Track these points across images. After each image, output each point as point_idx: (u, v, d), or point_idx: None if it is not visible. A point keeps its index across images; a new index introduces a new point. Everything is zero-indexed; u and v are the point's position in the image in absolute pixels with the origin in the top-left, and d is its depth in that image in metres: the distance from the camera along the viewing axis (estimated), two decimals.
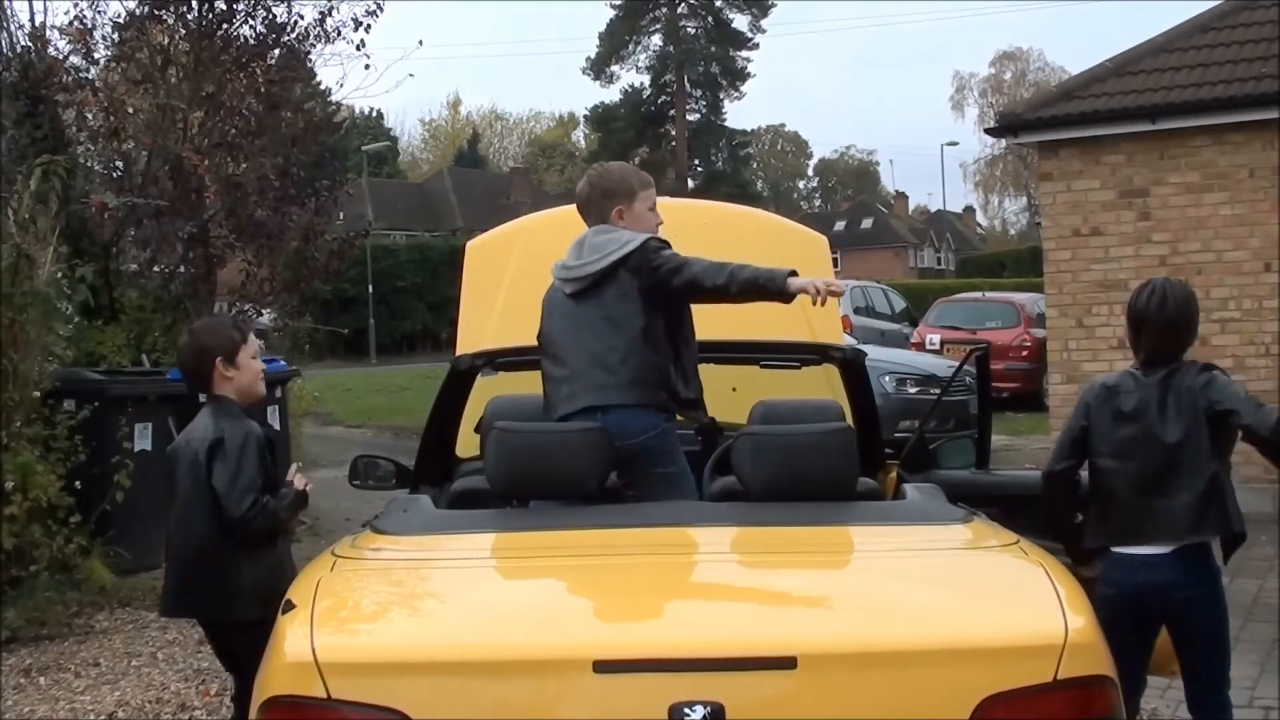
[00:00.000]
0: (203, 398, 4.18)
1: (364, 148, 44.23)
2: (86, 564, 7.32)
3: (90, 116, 9.64)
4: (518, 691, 2.40)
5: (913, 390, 12.31)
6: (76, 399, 7.61)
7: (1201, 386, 3.80)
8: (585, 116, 64.88)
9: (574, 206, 3.92)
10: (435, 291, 32.83)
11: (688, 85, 59.43)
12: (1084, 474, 4.01)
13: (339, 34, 10.23)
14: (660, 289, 3.62)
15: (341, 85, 20.22)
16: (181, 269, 9.94)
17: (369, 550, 2.99)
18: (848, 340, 5.15)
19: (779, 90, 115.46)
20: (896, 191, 76.47)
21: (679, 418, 3.80)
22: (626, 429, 3.56)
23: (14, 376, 7.14)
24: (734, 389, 4.60)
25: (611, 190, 3.80)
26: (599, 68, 58.92)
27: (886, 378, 12.01)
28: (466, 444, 4.72)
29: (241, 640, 3.79)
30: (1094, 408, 3.91)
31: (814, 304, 3.55)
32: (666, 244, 3.70)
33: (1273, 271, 9.92)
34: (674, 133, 59.31)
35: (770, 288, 3.57)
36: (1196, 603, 3.84)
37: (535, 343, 4.03)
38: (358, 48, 10.29)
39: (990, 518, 3.20)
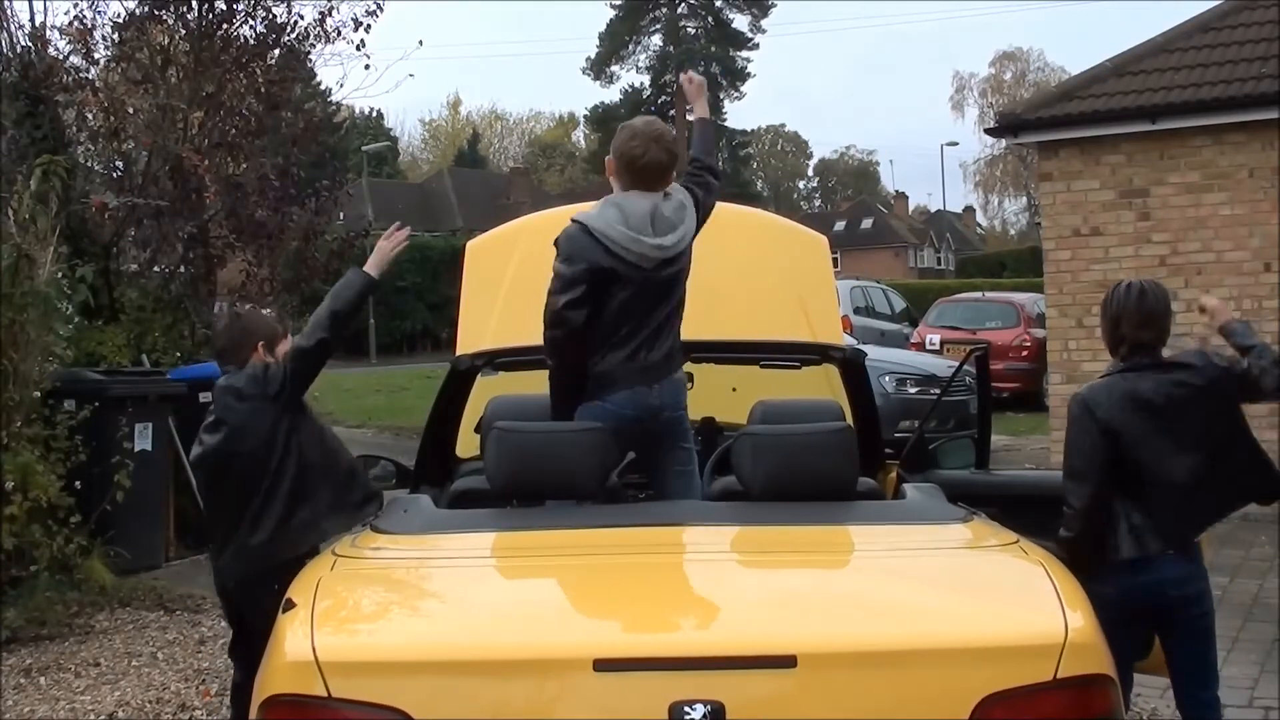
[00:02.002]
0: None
1: (364, 148, 44.24)
2: (86, 564, 7.32)
3: (90, 116, 9.63)
4: (518, 691, 2.40)
5: (913, 390, 12.30)
6: (76, 399, 7.61)
7: (1206, 362, 3.86)
8: (585, 116, 65.00)
9: (575, 206, 3.89)
10: (435, 291, 32.81)
11: None
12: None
13: (339, 34, 10.22)
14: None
15: (341, 85, 20.21)
16: (181, 269, 9.94)
17: (369, 550, 2.99)
18: (848, 340, 5.15)
19: (779, 90, 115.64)
20: (896, 191, 76.47)
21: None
22: (677, 401, 3.73)
23: (14, 376, 7.14)
24: (734, 389, 4.60)
25: (680, 157, 3.84)
26: (599, 68, 58.96)
27: (886, 378, 12.00)
28: (466, 444, 4.73)
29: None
30: (1121, 424, 3.83)
31: None
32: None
33: (1273, 271, 9.93)
34: (674, 133, 59.27)
35: None
36: (1195, 598, 3.85)
37: (535, 342, 4.01)
38: (358, 48, 10.28)
39: (990, 518, 3.20)
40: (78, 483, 7.36)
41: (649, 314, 3.67)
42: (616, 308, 3.64)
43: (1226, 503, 3.96)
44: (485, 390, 4.44)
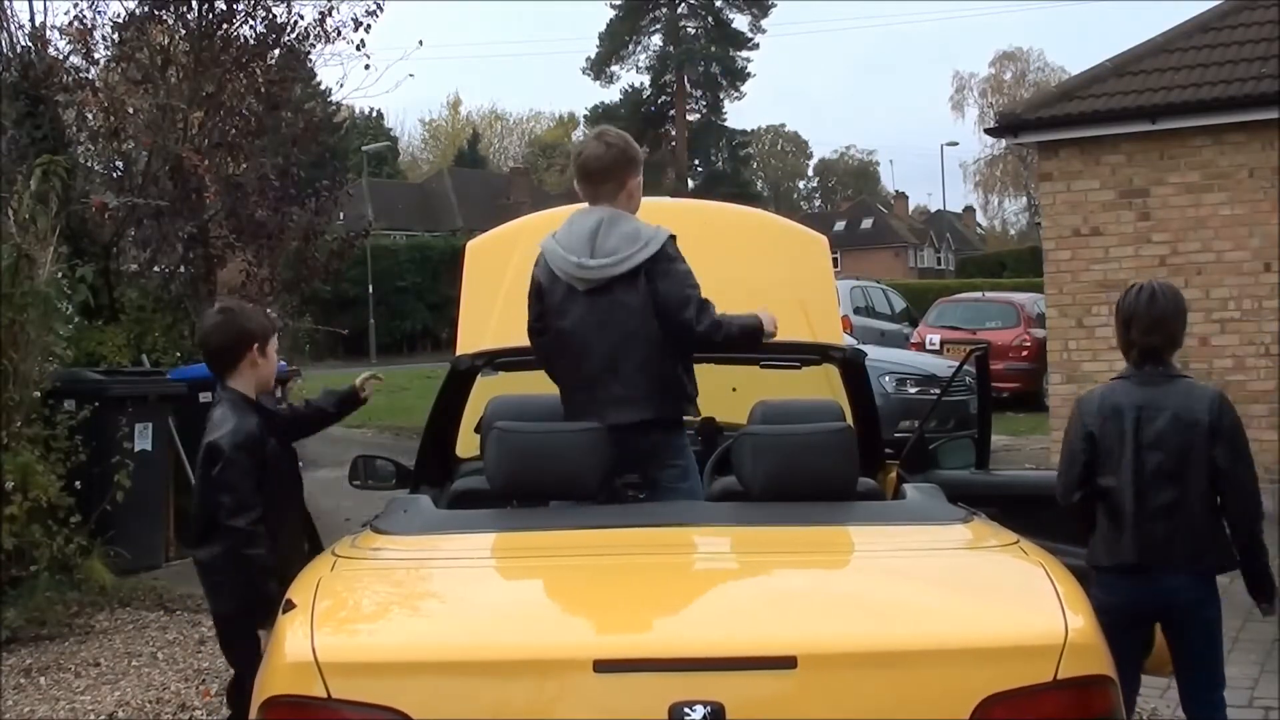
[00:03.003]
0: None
1: (364, 148, 44.22)
2: (86, 564, 7.32)
3: (90, 116, 9.64)
4: (518, 691, 2.40)
5: (913, 390, 12.31)
6: (76, 399, 7.61)
7: (1216, 428, 3.78)
8: (585, 116, 64.95)
9: (575, 206, 3.88)
10: (435, 291, 32.83)
11: (688, 85, 59.46)
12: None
13: (339, 34, 10.25)
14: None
15: (341, 85, 20.24)
16: (181, 269, 9.95)
17: (369, 550, 2.99)
18: (848, 340, 5.15)
19: (779, 90, 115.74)
20: (896, 191, 76.51)
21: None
22: (645, 432, 3.58)
23: (14, 376, 7.14)
24: (734, 389, 4.59)
25: (635, 159, 3.61)
26: (599, 68, 58.97)
27: (886, 378, 12.00)
28: (466, 444, 4.72)
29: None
30: (1099, 431, 3.85)
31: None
32: (674, 239, 3.58)
33: (1273, 271, 9.92)
34: (674, 133, 59.34)
35: (756, 338, 3.65)
36: (1200, 605, 3.85)
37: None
38: (358, 48, 10.31)
39: (990, 518, 3.20)
40: (78, 483, 7.37)
41: (593, 343, 3.55)
42: (565, 329, 3.61)
43: (1189, 555, 3.82)
44: (485, 390, 4.43)
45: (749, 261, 4.47)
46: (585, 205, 3.70)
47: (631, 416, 3.53)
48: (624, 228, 3.54)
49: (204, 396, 7.26)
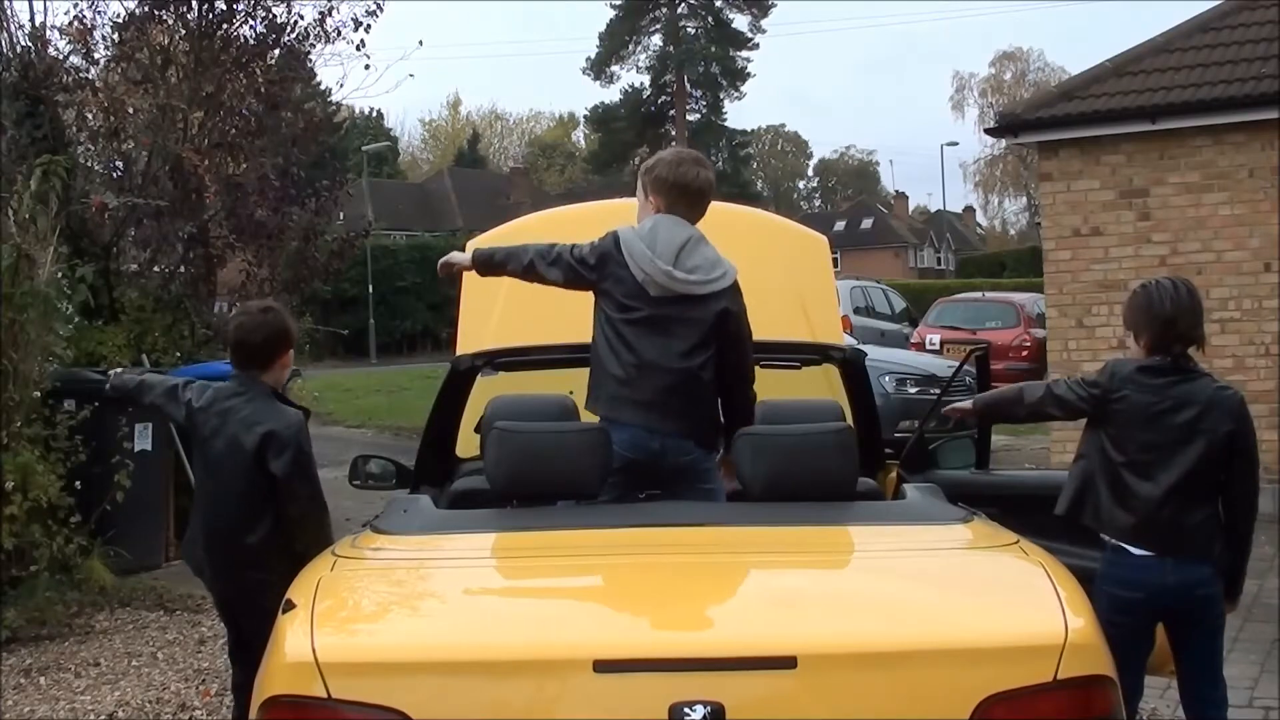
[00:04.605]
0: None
1: (364, 148, 44.21)
2: (86, 564, 7.33)
3: (90, 116, 9.63)
4: (518, 691, 2.40)
5: (913, 390, 12.30)
6: (76, 399, 7.62)
7: (1231, 428, 3.81)
8: (585, 116, 64.87)
9: (575, 206, 3.89)
10: (435, 291, 32.79)
11: (688, 85, 59.39)
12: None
13: (339, 34, 10.22)
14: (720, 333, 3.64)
15: (341, 85, 20.04)
16: (181, 269, 9.94)
17: (369, 550, 2.99)
18: (848, 340, 5.15)
19: (779, 90, 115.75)
20: (896, 191, 76.46)
21: None
22: (682, 448, 3.61)
23: (14, 376, 7.14)
24: None
25: None
26: (599, 68, 58.90)
27: (886, 378, 12.00)
28: (466, 444, 4.73)
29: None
30: (1131, 392, 3.85)
31: None
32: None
33: (1273, 271, 9.93)
34: (674, 133, 59.25)
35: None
36: (1216, 599, 3.88)
37: (535, 342, 4.00)
38: (358, 48, 10.28)
39: (990, 518, 3.20)
40: (78, 483, 7.37)
41: (651, 349, 3.57)
42: (622, 324, 3.61)
43: (1199, 545, 3.87)
44: (485, 390, 4.44)
45: (749, 261, 4.44)
46: (666, 215, 3.69)
47: (675, 426, 3.59)
48: (707, 252, 3.66)
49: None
